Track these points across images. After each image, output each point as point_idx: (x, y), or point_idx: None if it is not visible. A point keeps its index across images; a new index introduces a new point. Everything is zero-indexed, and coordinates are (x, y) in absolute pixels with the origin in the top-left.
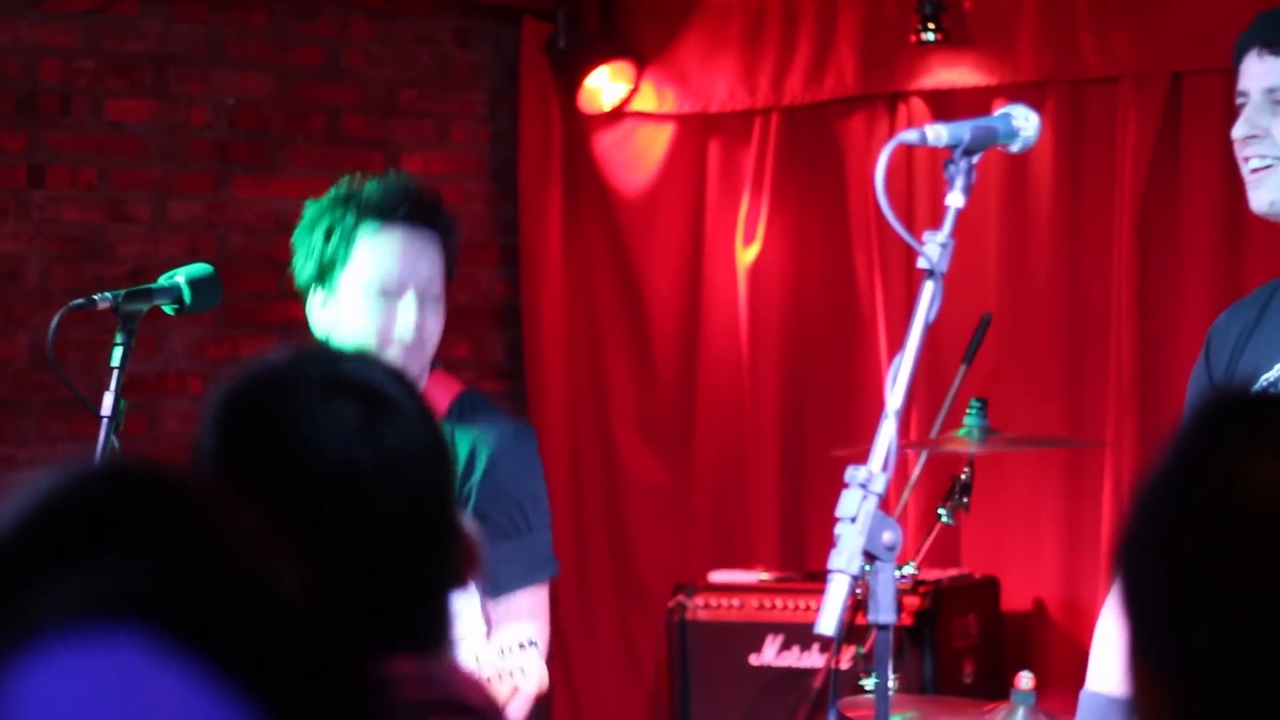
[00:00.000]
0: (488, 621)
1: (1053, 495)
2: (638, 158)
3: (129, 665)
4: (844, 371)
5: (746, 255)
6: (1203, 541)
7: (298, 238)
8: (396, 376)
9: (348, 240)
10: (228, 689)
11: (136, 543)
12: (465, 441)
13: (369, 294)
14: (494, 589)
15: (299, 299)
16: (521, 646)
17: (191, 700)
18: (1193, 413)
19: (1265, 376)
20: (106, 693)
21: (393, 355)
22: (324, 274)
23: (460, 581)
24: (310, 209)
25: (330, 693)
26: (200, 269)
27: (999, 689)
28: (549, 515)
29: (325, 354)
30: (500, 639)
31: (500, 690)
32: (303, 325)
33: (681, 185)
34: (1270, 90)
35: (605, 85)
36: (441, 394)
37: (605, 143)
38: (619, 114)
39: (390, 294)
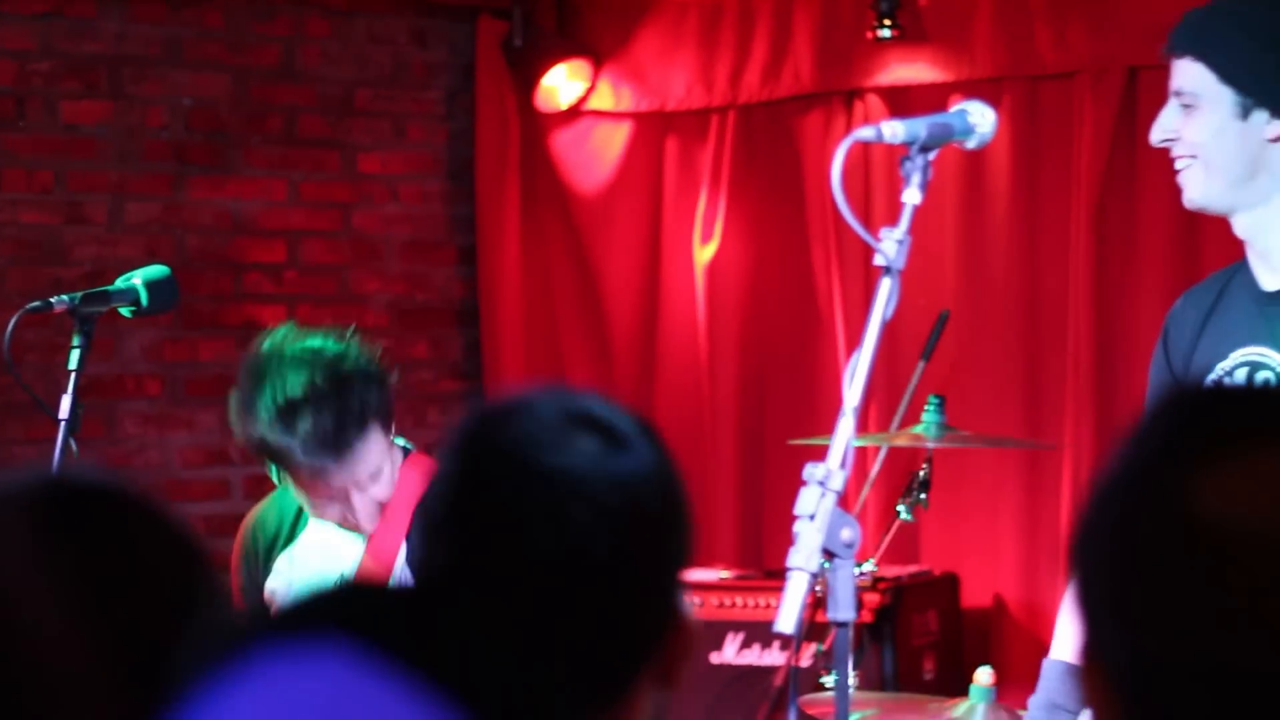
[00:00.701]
0: None
1: (1012, 492)
2: (595, 156)
3: (338, 677)
4: (802, 369)
5: (704, 253)
6: (1154, 541)
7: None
8: (629, 410)
9: (287, 460)
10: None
11: None
12: None
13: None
14: None
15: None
16: None
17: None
18: (1147, 410)
19: (1220, 366)
20: (319, 703)
21: (333, 524)
22: (268, 458)
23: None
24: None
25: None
26: (157, 271)
27: (959, 685)
28: None
29: (558, 391)
30: None
31: None
32: (260, 325)
33: (639, 183)
34: (1177, 93)
35: (562, 83)
36: (411, 495)
37: (562, 141)
38: (576, 112)
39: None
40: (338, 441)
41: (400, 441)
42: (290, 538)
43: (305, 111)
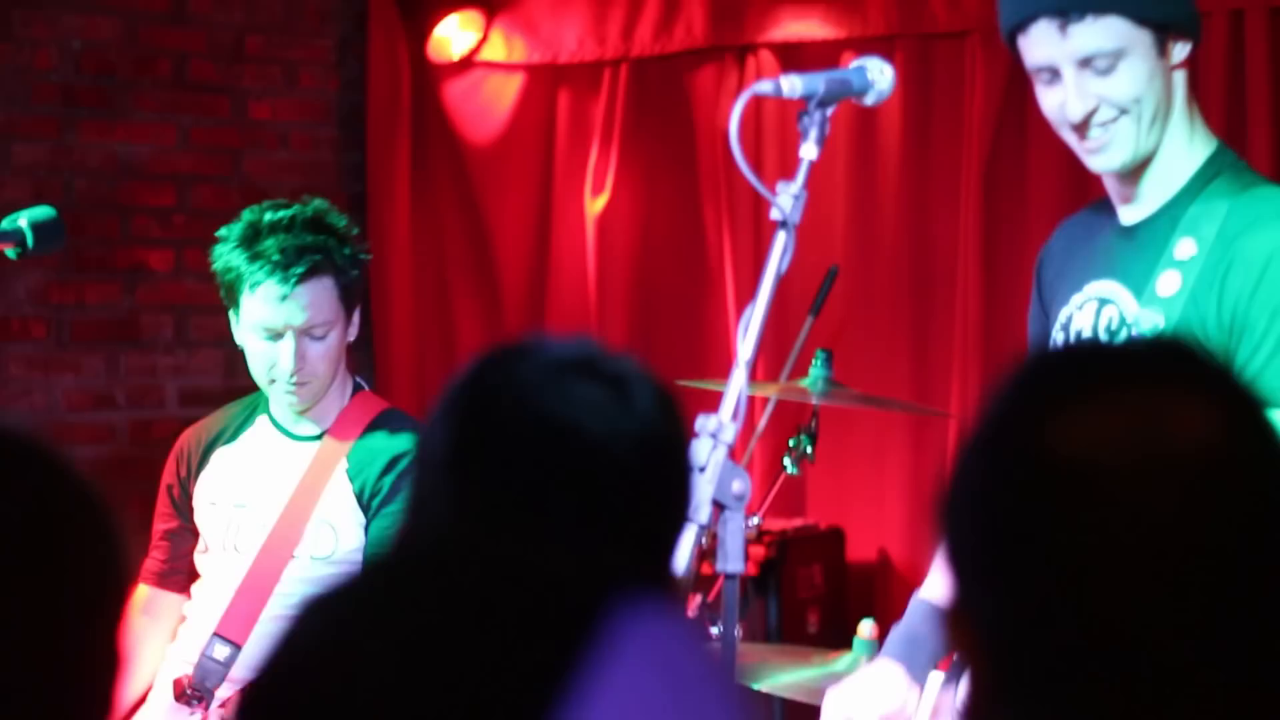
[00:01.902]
0: None
1: (898, 446)
2: (487, 107)
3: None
4: (691, 322)
5: (595, 206)
6: (1016, 498)
7: (213, 264)
8: (622, 355)
9: (239, 285)
10: None
11: None
12: (384, 457)
13: (256, 333)
14: None
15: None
16: None
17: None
18: (1008, 371)
19: (1073, 298)
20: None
21: (282, 391)
22: (228, 300)
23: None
24: (222, 237)
25: None
26: (43, 212)
27: (843, 638)
28: None
29: (548, 340)
30: None
31: None
32: (147, 270)
33: (531, 135)
34: (1085, 60)
35: (454, 34)
36: (362, 414)
37: (454, 92)
38: (468, 63)
39: (273, 334)
40: (298, 261)
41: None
42: (232, 439)
43: (196, 57)
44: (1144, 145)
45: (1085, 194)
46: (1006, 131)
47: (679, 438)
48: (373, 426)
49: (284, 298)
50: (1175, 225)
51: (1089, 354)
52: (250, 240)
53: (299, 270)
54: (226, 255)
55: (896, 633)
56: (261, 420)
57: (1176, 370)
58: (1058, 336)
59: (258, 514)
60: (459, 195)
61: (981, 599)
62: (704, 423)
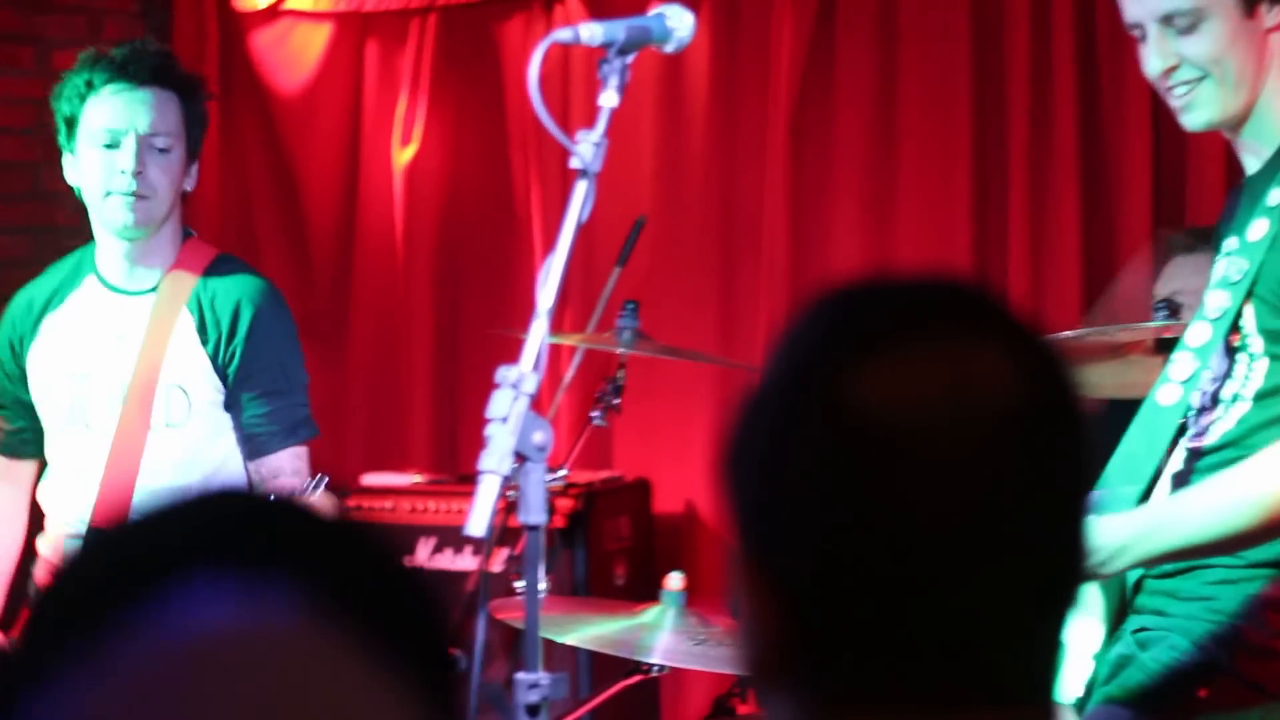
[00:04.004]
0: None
1: (704, 398)
2: (294, 57)
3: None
4: (500, 272)
5: (403, 155)
6: (812, 453)
7: (52, 104)
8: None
9: (81, 99)
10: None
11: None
12: (228, 297)
13: (95, 145)
14: (257, 449)
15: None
16: (311, 488)
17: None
18: (799, 314)
19: (1217, 262)
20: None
21: (120, 206)
22: (68, 134)
23: None
24: (64, 77)
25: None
26: None
27: (650, 590)
28: (305, 375)
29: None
30: (282, 487)
31: None
32: None
33: (339, 85)
34: (1167, 18)
35: None
36: (197, 258)
37: (261, 41)
38: (275, 12)
39: (113, 141)
40: (144, 65)
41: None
42: (59, 302)
43: None
44: (1231, 106)
45: (891, 146)
46: (813, 82)
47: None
48: (209, 272)
49: (130, 98)
50: (1276, 174)
51: (884, 296)
52: (94, 60)
53: (145, 72)
54: (68, 82)
55: None
56: (89, 280)
57: (970, 313)
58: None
59: (102, 384)
60: (266, 146)
61: (772, 554)
62: (505, 374)
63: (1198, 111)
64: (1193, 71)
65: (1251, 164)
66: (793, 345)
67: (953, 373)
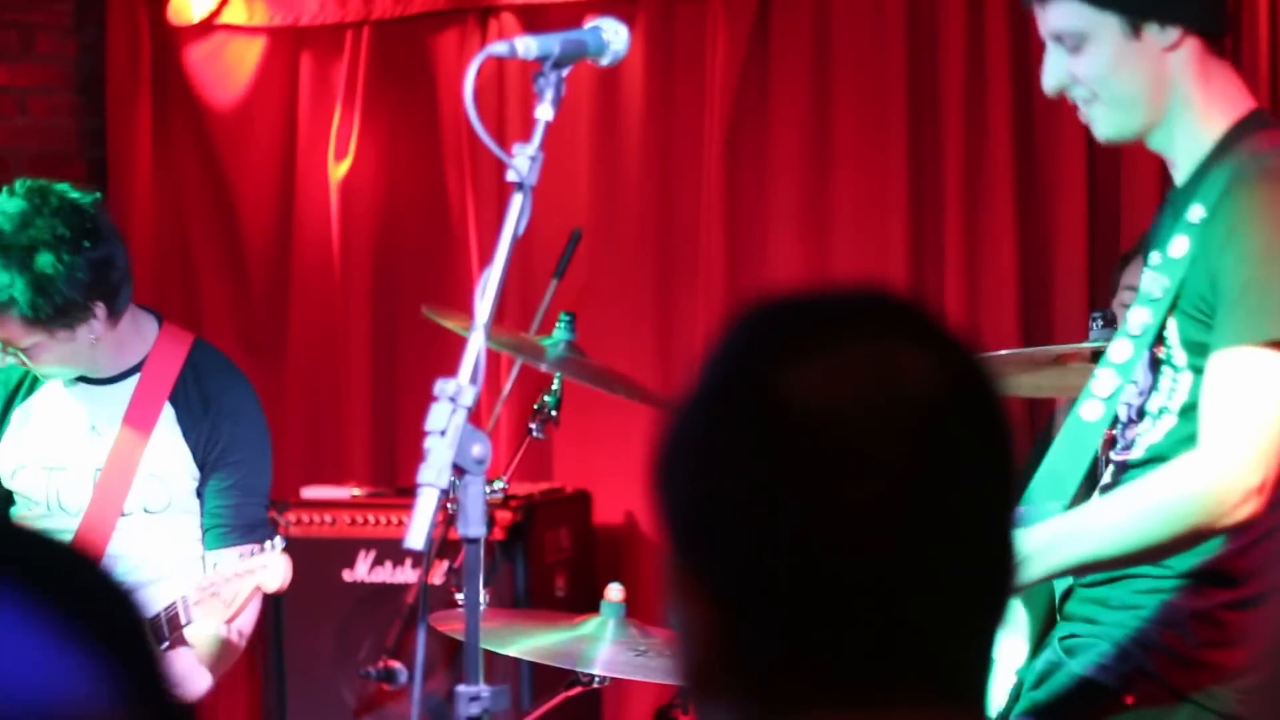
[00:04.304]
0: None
1: (643, 410)
2: (229, 71)
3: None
4: (436, 287)
5: (339, 170)
6: (743, 449)
7: None
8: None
9: None
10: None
11: None
12: (215, 394)
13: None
14: (214, 540)
15: None
16: (266, 547)
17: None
18: (730, 320)
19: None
20: None
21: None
22: None
23: None
24: None
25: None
26: None
27: (591, 602)
28: (270, 479)
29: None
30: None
31: (241, 588)
32: None
33: (273, 99)
34: (1057, 37)
35: None
36: (176, 348)
37: (196, 55)
38: (209, 26)
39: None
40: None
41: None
42: (29, 392)
43: None
44: (1128, 125)
45: (827, 159)
46: (748, 94)
47: None
48: (193, 363)
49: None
50: (1197, 190)
51: (812, 304)
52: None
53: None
54: None
55: None
56: None
57: (896, 319)
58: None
59: (77, 474)
60: (201, 161)
61: (704, 555)
62: (443, 386)
63: (1097, 128)
64: (1083, 92)
65: (1178, 177)
66: (722, 352)
67: (878, 370)
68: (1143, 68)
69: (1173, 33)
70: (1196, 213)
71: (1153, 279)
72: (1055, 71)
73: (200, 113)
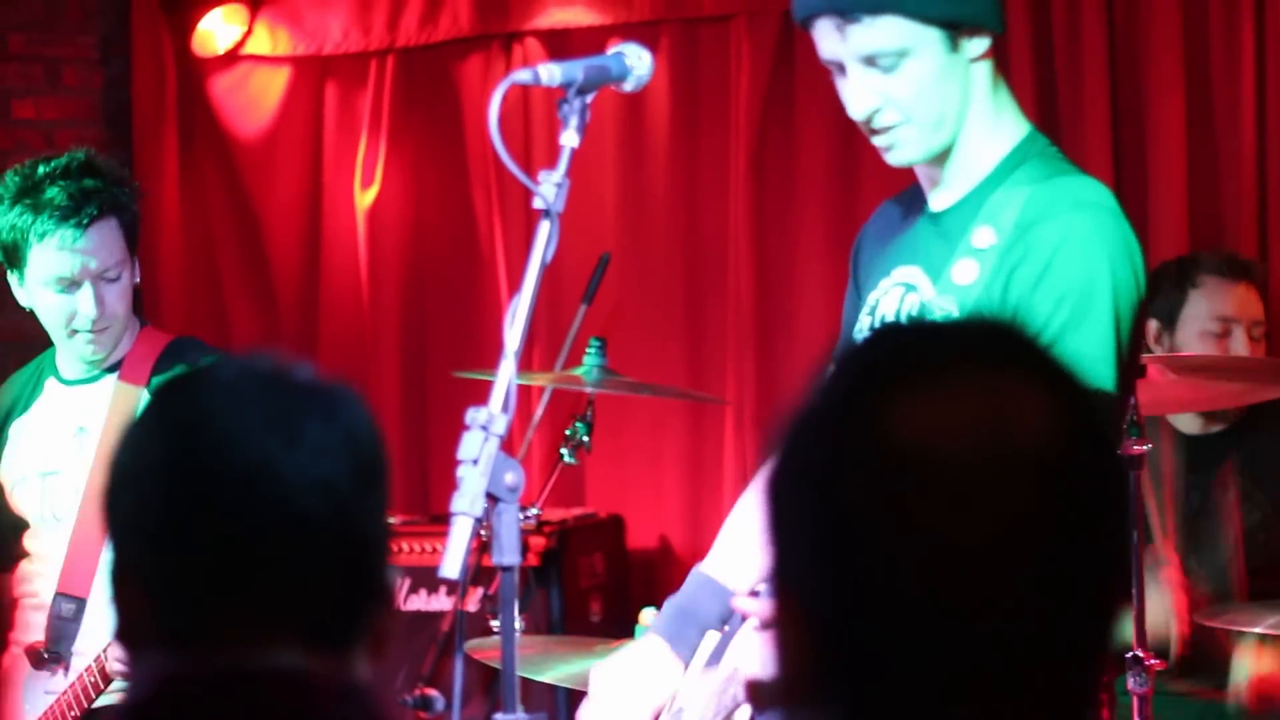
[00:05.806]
0: None
1: (675, 433)
2: (254, 101)
3: None
4: (465, 313)
5: (365, 198)
6: (856, 480)
7: None
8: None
9: (25, 240)
10: None
11: None
12: None
13: (49, 286)
14: None
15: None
16: None
17: None
18: (843, 349)
19: (881, 283)
20: None
21: (85, 341)
22: (10, 262)
23: None
24: None
25: None
26: None
27: (626, 626)
28: None
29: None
30: None
31: None
32: None
33: (299, 128)
34: (868, 59)
35: (219, 28)
36: (148, 350)
37: (221, 86)
38: (234, 57)
39: (68, 285)
40: (85, 205)
41: None
42: (25, 409)
43: None
44: (934, 144)
45: (854, 178)
46: (773, 115)
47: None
48: (164, 359)
49: (76, 244)
50: (977, 213)
51: (928, 333)
52: (29, 192)
53: (90, 213)
54: (4, 214)
55: (670, 605)
56: (50, 383)
57: (1013, 356)
58: (864, 321)
59: (70, 479)
60: (228, 191)
61: (809, 578)
62: (475, 415)
63: (900, 152)
64: (894, 114)
65: (938, 197)
66: (840, 373)
67: (1000, 413)
68: (956, 83)
69: (982, 42)
70: (984, 237)
71: (937, 302)
72: (867, 92)
73: (226, 143)
